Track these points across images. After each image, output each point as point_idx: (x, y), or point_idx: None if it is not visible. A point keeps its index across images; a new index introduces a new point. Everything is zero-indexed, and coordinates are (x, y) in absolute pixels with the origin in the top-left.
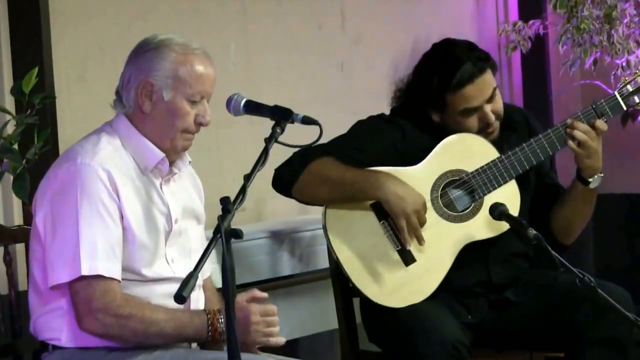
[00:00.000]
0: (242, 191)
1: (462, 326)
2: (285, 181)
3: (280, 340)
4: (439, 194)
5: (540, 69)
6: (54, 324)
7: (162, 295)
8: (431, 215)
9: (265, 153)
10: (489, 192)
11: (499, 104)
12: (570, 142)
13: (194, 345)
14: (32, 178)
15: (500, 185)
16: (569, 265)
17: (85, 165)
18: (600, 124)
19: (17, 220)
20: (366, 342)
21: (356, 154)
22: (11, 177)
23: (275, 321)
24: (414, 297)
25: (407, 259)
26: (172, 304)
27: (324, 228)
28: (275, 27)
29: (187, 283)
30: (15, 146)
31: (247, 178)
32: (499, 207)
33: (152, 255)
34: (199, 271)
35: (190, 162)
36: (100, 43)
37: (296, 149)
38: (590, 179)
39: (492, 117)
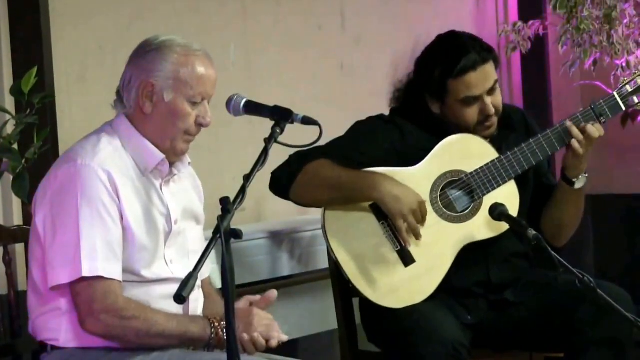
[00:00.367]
0: (242, 191)
1: (461, 327)
2: (282, 184)
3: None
4: (439, 194)
5: (540, 70)
6: (53, 324)
7: (161, 296)
8: (431, 215)
9: (265, 153)
10: (488, 192)
11: (499, 98)
12: (574, 142)
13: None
14: (31, 178)
15: (499, 185)
16: (568, 266)
17: (86, 166)
18: (590, 129)
19: (17, 220)
20: (366, 342)
21: (355, 155)
22: (11, 177)
23: (274, 326)
24: (413, 298)
25: (407, 259)
26: (171, 304)
27: (323, 229)
28: (275, 27)
29: (187, 283)
30: (15, 146)
31: (247, 178)
32: (498, 207)
33: (152, 256)
34: (199, 271)
35: (190, 163)
36: (100, 43)
37: (295, 150)
38: (575, 179)
39: (492, 109)
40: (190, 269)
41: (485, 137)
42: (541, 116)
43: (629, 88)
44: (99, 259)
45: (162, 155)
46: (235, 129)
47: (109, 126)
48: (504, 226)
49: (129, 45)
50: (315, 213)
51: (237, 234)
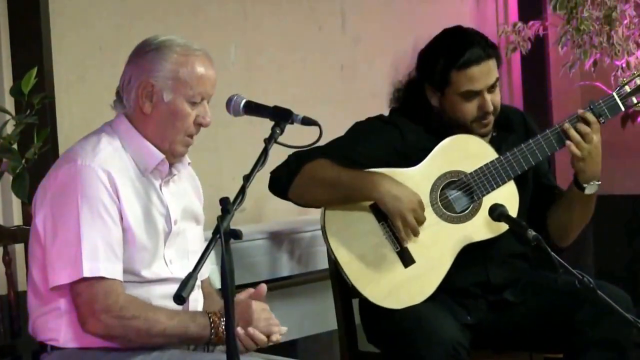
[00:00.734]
0: (242, 192)
1: (461, 327)
2: (281, 184)
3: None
4: (438, 194)
5: (540, 70)
6: (53, 325)
7: (161, 296)
8: (430, 216)
9: (264, 153)
10: (488, 192)
11: (498, 97)
12: (568, 142)
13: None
14: (31, 178)
15: (499, 185)
16: (568, 267)
17: (86, 167)
18: (581, 126)
19: (17, 220)
20: (365, 342)
21: (354, 155)
22: (10, 177)
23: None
24: (413, 299)
25: (407, 260)
26: (170, 304)
27: (323, 229)
28: (276, 27)
29: (187, 283)
30: (15, 146)
31: (247, 178)
32: (498, 208)
33: (151, 256)
34: (198, 272)
35: (189, 163)
36: (100, 43)
37: (295, 150)
38: (585, 185)
39: (491, 107)
40: (190, 269)
41: (481, 136)
42: (541, 117)
43: (628, 88)
44: (100, 259)
45: (161, 156)
46: (235, 130)
47: (108, 126)
48: (504, 227)
49: (128, 46)
50: (315, 213)
51: (236, 235)
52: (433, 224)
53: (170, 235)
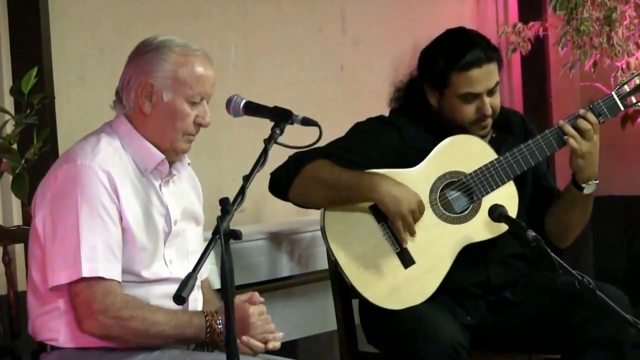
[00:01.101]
0: (242, 192)
1: (461, 328)
2: (281, 185)
3: (277, 344)
4: (438, 195)
5: (540, 71)
6: (53, 325)
7: (160, 296)
8: (430, 217)
9: (264, 154)
10: (487, 193)
11: (497, 100)
12: (566, 138)
13: (192, 345)
14: (31, 178)
15: (498, 186)
16: (568, 267)
17: (85, 167)
18: (582, 123)
19: (17, 220)
20: (365, 343)
21: (354, 156)
22: (10, 177)
23: (270, 320)
24: (413, 299)
25: (406, 260)
26: (170, 304)
27: (322, 230)
28: (276, 29)
29: (187, 284)
30: (15, 146)
31: (247, 179)
32: (498, 209)
33: (151, 256)
34: (198, 272)
35: (189, 163)
36: (100, 44)
37: (294, 150)
38: (584, 185)
39: (489, 110)
40: (190, 269)
41: (479, 137)
42: (541, 118)
43: (627, 88)
44: (99, 260)
45: (161, 156)
46: (235, 130)
47: (108, 126)
48: (504, 227)
49: (128, 46)
50: (315, 214)
51: (236, 235)
52: (433, 224)
53: (170, 236)
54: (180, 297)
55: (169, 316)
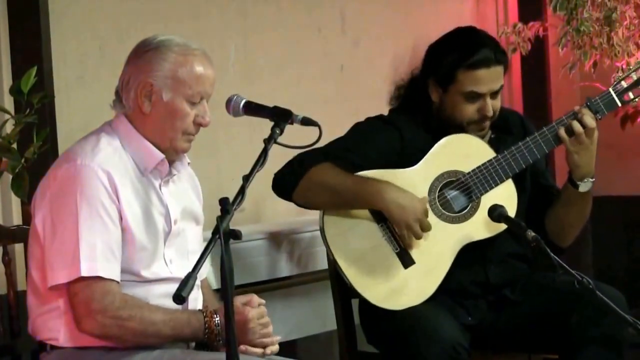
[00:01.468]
0: (241, 192)
1: (461, 328)
2: (286, 187)
3: (275, 348)
4: (437, 195)
5: (540, 71)
6: (52, 324)
7: (160, 295)
8: (430, 217)
9: (264, 154)
10: (486, 191)
11: (499, 103)
12: (561, 131)
13: (192, 344)
14: (31, 177)
15: (497, 184)
16: (567, 267)
17: (85, 167)
18: (588, 119)
19: (16, 220)
20: (365, 343)
21: (355, 157)
22: (10, 177)
23: (269, 323)
24: (413, 300)
25: (406, 261)
26: (170, 304)
27: (322, 231)
28: (275, 29)
29: (186, 283)
30: (14, 145)
31: (246, 179)
32: (498, 209)
33: (151, 256)
34: (198, 271)
35: (189, 163)
36: (100, 43)
37: (295, 150)
38: (580, 182)
39: (491, 112)
40: (190, 269)
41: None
42: (541, 118)
43: (624, 84)
44: (98, 260)
45: (161, 155)
46: (235, 130)
47: (108, 126)
48: (503, 225)
49: (128, 46)
50: (315, 214)
51: (236, 235)
52: (433, 224)
53: (170, 235)
54: (180, 297)
55: (167, 316)
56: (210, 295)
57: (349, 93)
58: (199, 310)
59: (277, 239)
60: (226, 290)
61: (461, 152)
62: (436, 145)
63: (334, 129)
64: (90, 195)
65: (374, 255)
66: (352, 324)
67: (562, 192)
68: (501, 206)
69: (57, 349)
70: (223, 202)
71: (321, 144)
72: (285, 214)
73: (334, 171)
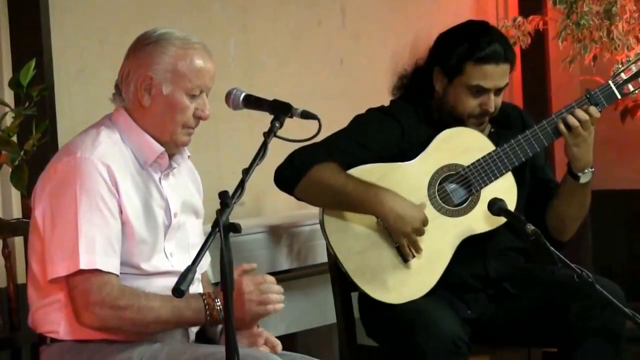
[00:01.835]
0: (241, 185)
1: (461, 322)
2: (288, 183)
3: (278, 306)
4: (436, 189)
5: (540, 65)
6: (52, 317)
7: (161, 288)
8: (430, 211)
9: (264, 147)
10: (486, 185)
11: (500, 101)
12: (561, 125)
13: (192, 338)
14: (30, 170)
15: (496, 177)
16: (567, 261)
17: (85, 160)
18: (592, 110)
19: (16, 212)
20: (364, 336)
21: (357, 151)
22: (10, 169)
23: (271, 288)
24: (413, 293)
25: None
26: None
27: (322, 224)
28: (275, 22)
29: (186, 277)
30: (14, 138)
31: (246, 172)
32: (497, 202)
33: (151, 249)
34: (197, 265)
35: (189, 156)
36: (100, 36)
37: (295, 144)
38: (580, 174)
39: (493, 108)
40: (190, 262)
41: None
42: (541, 111)
43: (623, 76)
44: (97, 253)
45: (161, 149)
46: (235, 124)
47: (108, 119)
48: (503, 219)
49: (128, 39)
50: (314, 208)
51: (236, 228)
52: (432, 218)
53: (170, 229)
54: (179, 290)
55: (165, 301)
56: (210, 289)
57: (348, 87)
58: (198, 293)
59: (277, 233)
60: (226, 284)
61: (461, 145)
62: (436, 139)
63: (334, 122)
64: (90, 188)
65: (374, 249)
66: (352, 318)
67: (562, 186)
68: (501, 199)
69: (57, 341)
70: (223, 195)
71: (320, 137)
72: (285, 207)
73: (335, 172)
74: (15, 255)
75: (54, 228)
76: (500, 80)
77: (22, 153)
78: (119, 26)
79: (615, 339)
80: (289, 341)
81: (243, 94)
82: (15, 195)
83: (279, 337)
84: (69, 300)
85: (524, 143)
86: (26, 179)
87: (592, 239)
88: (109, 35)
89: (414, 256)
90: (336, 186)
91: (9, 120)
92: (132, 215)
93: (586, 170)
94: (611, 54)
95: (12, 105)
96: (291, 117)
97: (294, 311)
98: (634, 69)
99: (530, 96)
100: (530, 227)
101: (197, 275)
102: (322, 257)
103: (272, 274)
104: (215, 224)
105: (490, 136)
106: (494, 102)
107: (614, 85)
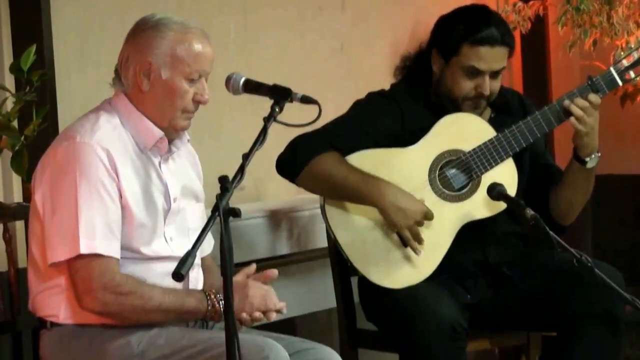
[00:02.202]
0: (241, 170)
1: (460, 307)
2: (290, 172)
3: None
4: (437, 174)
5: (540, 50)
6: (53, 301)
7: (160, 273)
8: (430, 196)
9: (264, 132)
10: (487, 170)
11: (497, 85)
12: (573, 119)
13: (191, 324)
14: (30, 155)
15: (497, 163)
16: (566, 246)
17: (84, 144)
18: (594, 97)
19: (17, 197)
20: (364, 321)
21: (359, 136)
22: (10, 154)
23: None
24: (412, 278)
25: None
26: (170, 282)
27: (322, 209)
28: (275, 7)
29: (185, 261)
30: (14, 123)
31: (246, 157)
32: (496, 187)
33: (151, 233)
34: (197, 249)
35: (189, 140)
36: (100, 21)
37: (295, 129)
38: (588, 159)
39: (488, 91)
40: (190, 246)
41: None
42: (541, 97)
43: (625, 62)
44: (97, 237)
45: (160, 133)
46: (235, 108)
47: (107, 104)
48: (503, 204)
49: (128, 24)
50: None
51: (235, 213)
52: (433, 203)
53: (170, 213)
54: (178, 274)
55: (167, 291)
56: (216, 269)
57: (348, 72)
58: (199, 289)
59: (277, 217)
60: (225, 268)
61: (462, 131)
62: (437, 124)
63: (334, 107)
64: (90, 173)
65: (374, 234)
66: (352, 302)
67: (567, 173)
68: (500, 184)
69: (57, 325)
70: (222, 180)
71: (320, 122)
72: (285, 192)
73: (336, 163)
74: (16, 240)
75: (54, 213)
76: (496, 63)
77: (22, 138)
78: (119, 11)
79: (615, 323)
80: (289, 325)
81: (243, 79)
82: (16, 179)
83: (278, 321)
84: (70, 285)
85: (525, 129)
86: (26, 163)
87: (591, 223)
88: (109, 20)
89: (420, 251)
90: (337, 178)
91: (9, 105)
92: (131, 199)
93: (593, 155)
94: (611, 39)
95: (13, 90)
96: (291, 101)
97: (294, 295)
98: (635, 55)
99: (530, 81)
100: (530, 211)
101: (197, 261)
102: (322, 242)
103: (271, 258)
104: (215, 209)
105: (491, 122)
106: (489, 86)
107: (616, 72)
